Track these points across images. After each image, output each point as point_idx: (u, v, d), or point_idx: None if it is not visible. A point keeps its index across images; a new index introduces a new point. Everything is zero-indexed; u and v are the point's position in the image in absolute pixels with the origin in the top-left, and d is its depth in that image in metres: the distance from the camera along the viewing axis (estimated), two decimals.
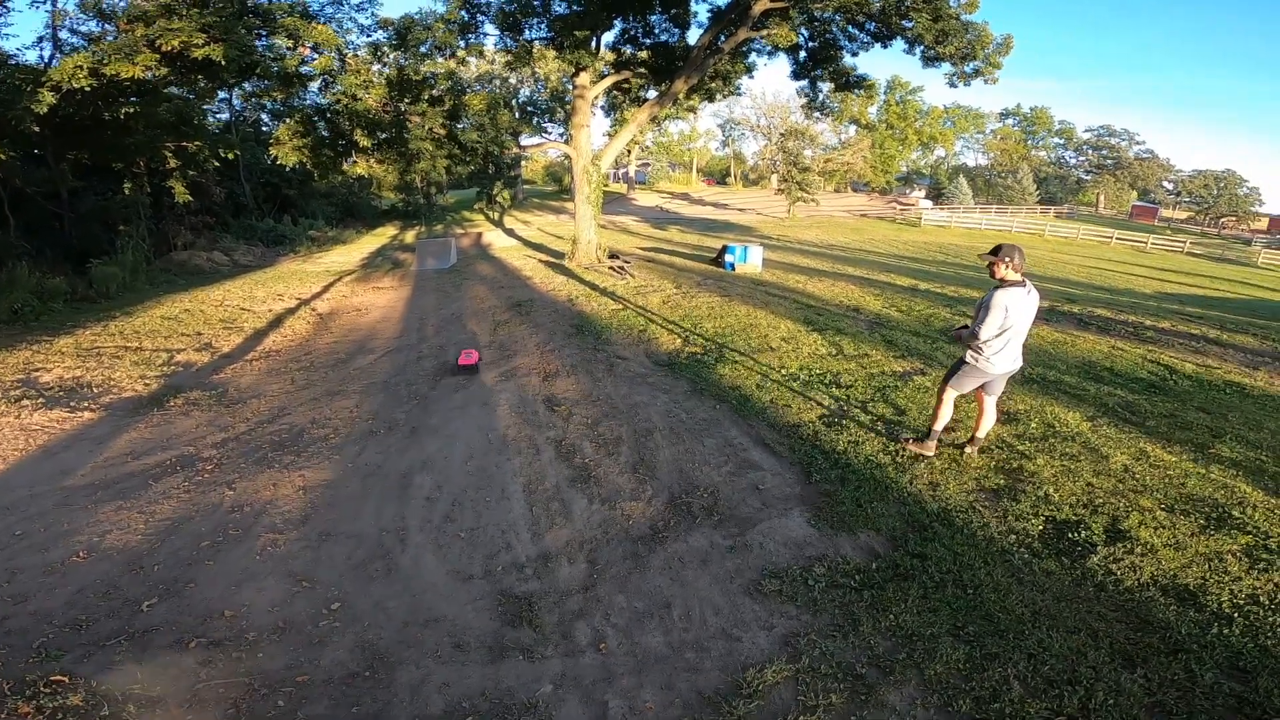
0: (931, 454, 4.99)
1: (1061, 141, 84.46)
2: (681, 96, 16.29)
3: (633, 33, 16.45)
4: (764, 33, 14.46)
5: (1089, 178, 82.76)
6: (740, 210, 47.40)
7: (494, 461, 5.29)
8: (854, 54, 15.79)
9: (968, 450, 5.03)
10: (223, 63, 11.27)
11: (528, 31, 15.47)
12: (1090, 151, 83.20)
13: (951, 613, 3.25)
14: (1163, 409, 6.75)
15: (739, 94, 19.21)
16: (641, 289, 12.60)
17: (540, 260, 17.79)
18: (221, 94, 25.24)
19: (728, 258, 16.27)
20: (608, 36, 16.25)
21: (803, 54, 16.10)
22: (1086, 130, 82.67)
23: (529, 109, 38.83)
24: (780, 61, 18.06)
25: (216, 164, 19.21)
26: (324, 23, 12.97)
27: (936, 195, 72.45)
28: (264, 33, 12.66)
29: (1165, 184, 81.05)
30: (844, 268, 18.91)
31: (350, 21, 14.10)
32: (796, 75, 16.76)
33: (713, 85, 17.26)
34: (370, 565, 3.97)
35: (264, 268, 19.41)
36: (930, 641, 3.05)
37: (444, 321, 10.95)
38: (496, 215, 36.28)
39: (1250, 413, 6.96)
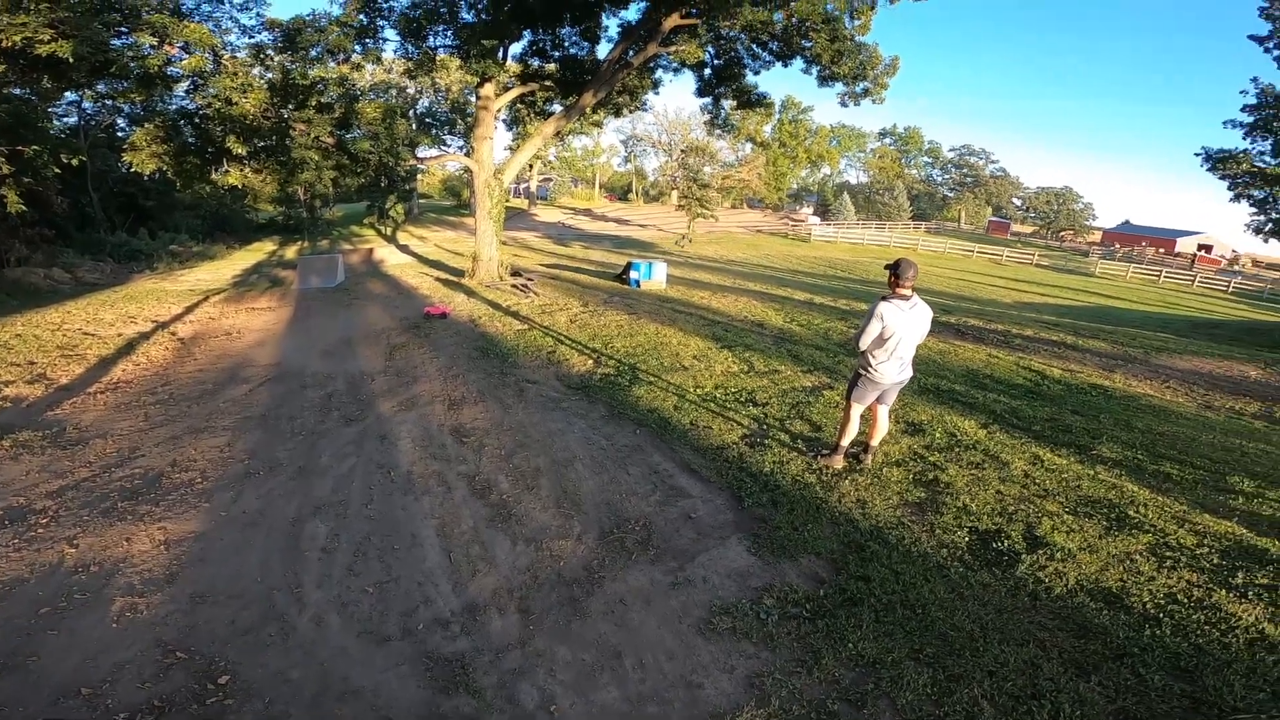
0: (840, 467, 5.10)
1: (930, 160, 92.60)
2: (588, 111, 16.15)
3: (541, 45, 16.12)
4: (672, 49, 14.63)
5: (952, 195, 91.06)
6: (642, 226, 48.00)
7: (400, 503, 4.81)
8: (756, 72, 16.27)
9: (865, 459, 5.18)
10: (71, 60, 9.85)
11: (432, 39, 14.75)
12: (953, 170, 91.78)
13: (906, 635, 3.23)
14: (1043, 413, 7.29)
15: (645, 110, 19.37)
16: (547, 308, 12.24)
17: (439, 278, 16.95)
18: (71, 95, 22.26)
19: (632, 274, 16.21)
20: (515, 48, 15.87)
21: (708, 71, 16.39)
22: (950, 149, 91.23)
23: (428, 120, 37.40)
24: (685, 78, 18.37)
25: (57, 170, 16.87)
26: (199, 21, 11.70)
27: (824, 212, 77.02)
28: (125, 29, 11.18)
29: (1015, 200, 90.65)
30: (744, 283, 19.45)
31: (230, 21, 12.80)
32: (701, 92, 17.08)
33: (620, 100, 17.27)
34: (262, 630, 3.46)
35: (114, 286, 17.23)
36: (893, 668, 3.01)
37: (332, 345, 10.06)
38: (389, 230, 34.46)
39: (1117, 413, 7.68)
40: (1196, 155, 21.09)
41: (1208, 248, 65.38)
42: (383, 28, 14.04)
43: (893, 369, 4.73)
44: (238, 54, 12.26)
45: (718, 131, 20.86)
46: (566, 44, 16.04)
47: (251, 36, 12.84)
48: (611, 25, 16.31)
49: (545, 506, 4.61)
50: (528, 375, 7.91)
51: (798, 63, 14.57)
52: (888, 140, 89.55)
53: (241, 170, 14.17)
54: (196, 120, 12.70)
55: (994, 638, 3.21)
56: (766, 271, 26.27)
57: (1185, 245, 66.26)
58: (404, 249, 26.78)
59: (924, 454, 5.57)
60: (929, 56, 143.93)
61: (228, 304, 14.15)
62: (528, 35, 15.63)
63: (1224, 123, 20.42)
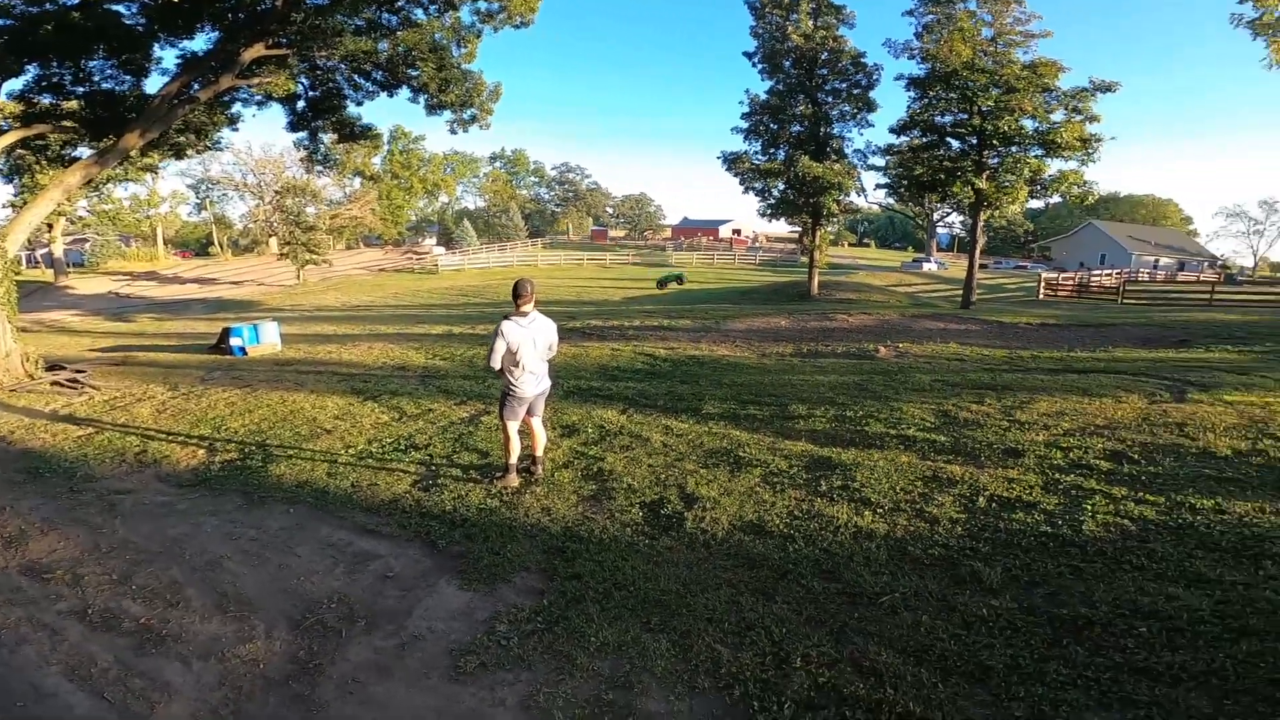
0: (516, 484, 5.39)
1: (536, 180, 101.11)
2: (135, 154, 13.03)
3: (57, 79, 12.29)
4: (255, 81, 12.71)
5: (559, 209, 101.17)
6: (235, 284, 41.08)
7: None
8: (359, 103, 15.36)
9: (536, 470, 5.60)
10: None
11: None
12: (557, 187, 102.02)
13: (631, 613, 3.60)
14: (662, 389, 8.85)
15: (220, 148, 16.50)
16: (118, 401, 9.58)
17: None
18: None
19: (234, 341, 13.68)
20: (14, 83, 11.79)
21: (302, 104, 14.78)
22: (553, 168, 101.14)
23: None
24: (273, 111, 16.29)
25: None
26: None
27: (448, 241, 77.25)
28: None
29: (608, 209, 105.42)
30: (377, 327, 18.45)
31: None
32: (294, 126, 15.25)
33: (182, 140, 14.31)
34: None
35: None
36: (636, 645, 3.32)
37: None
38: None
39: (710, 375, 9.78)
40: (718, 158, 27.26)
41: (739, 231, 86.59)
42: None
43: (530, 382, 5.19)
44: None
45: (319, 168, 19.22)
46: (96, 78, 12.62)
47: None
48: (168, 56, 13.46)
49: (206, 616, 3.81)
50: (114, 486, 6.19)
51: (404, 92, 14.35)
52: (499, 164, 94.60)
53: None
54: None
55: (696, 590, 3.79)
56: (398, 311, 25.32)
57: (725, 231, 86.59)
58: None
59: (584, 450, 6.28)
60: (527, 78, 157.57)
61: None
62: (34, 69, 11.88)
63: (731, 129, 27.05)
